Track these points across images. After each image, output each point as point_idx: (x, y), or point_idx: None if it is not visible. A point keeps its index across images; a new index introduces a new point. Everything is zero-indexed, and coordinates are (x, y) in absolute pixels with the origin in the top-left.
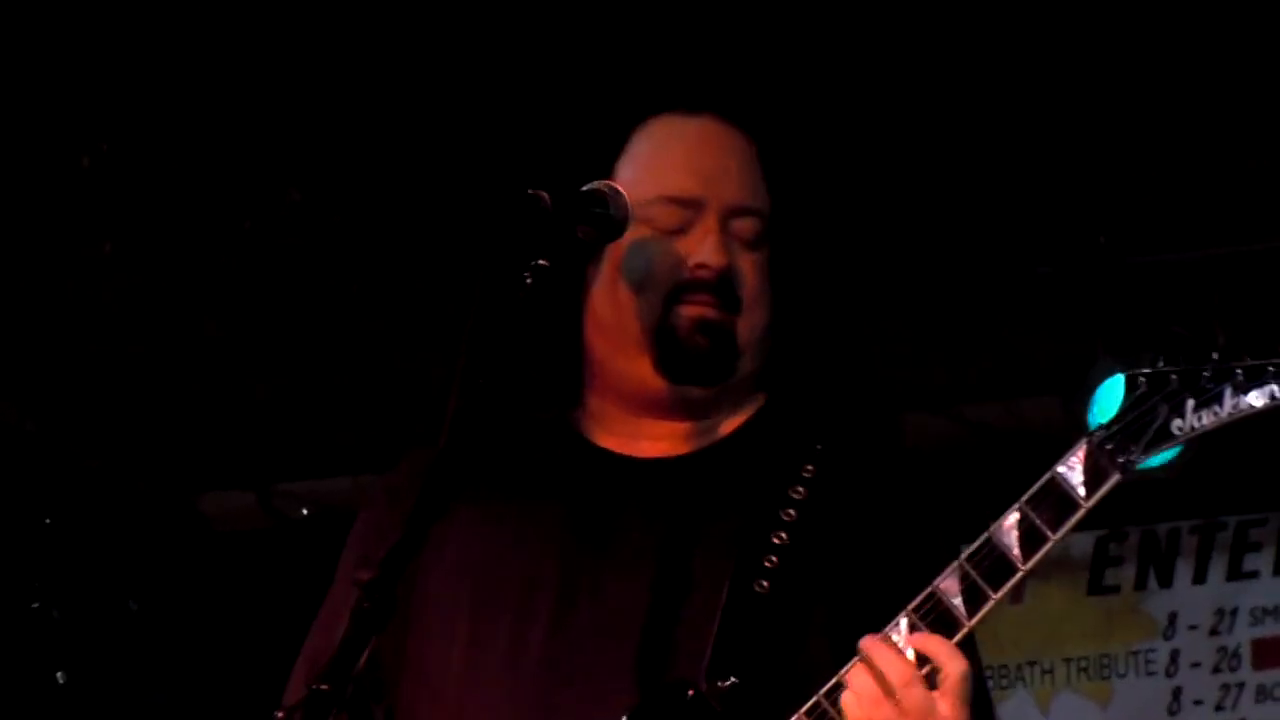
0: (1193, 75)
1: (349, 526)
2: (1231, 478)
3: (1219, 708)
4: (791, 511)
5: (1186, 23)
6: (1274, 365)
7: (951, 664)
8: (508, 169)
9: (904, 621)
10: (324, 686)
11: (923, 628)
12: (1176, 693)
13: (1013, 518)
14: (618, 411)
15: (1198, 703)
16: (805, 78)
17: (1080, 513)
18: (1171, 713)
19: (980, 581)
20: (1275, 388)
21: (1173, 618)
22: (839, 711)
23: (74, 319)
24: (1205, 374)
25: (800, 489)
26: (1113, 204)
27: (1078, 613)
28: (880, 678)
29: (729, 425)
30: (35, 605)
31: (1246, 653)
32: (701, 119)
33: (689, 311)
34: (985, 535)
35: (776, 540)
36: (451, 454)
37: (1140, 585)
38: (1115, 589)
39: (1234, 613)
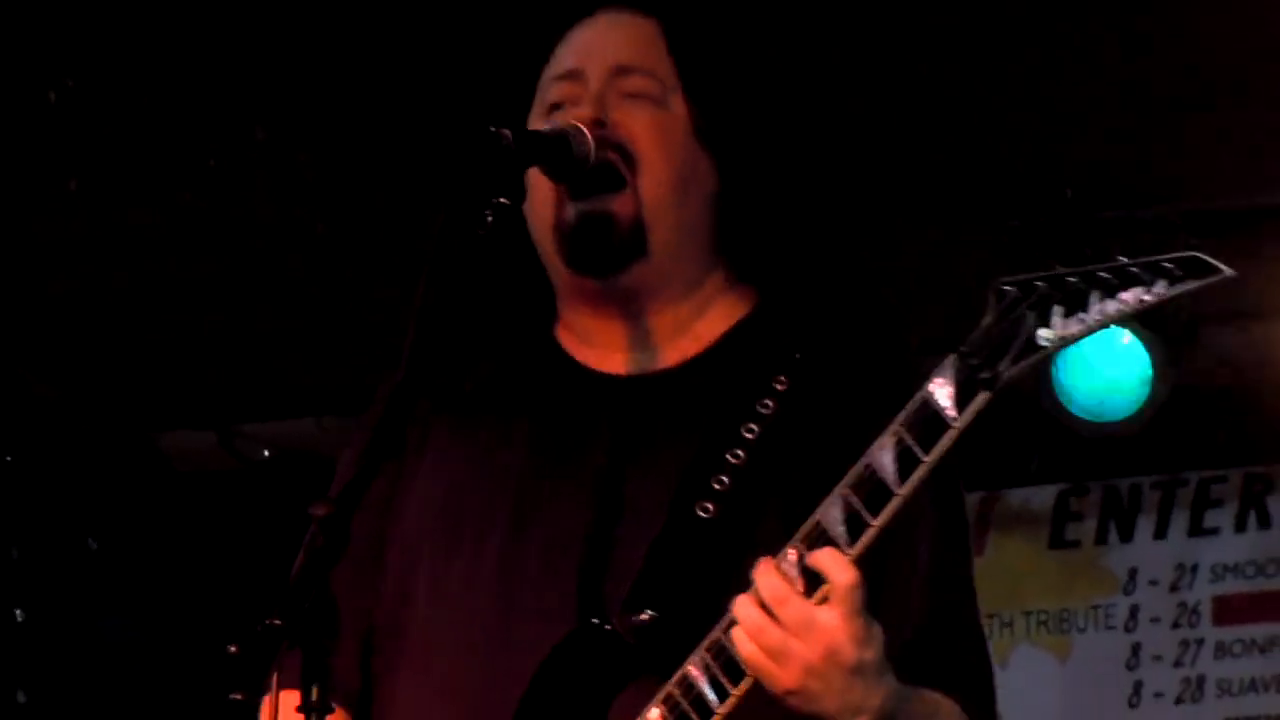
0: (1160, 28)
1: (310, 468)
2: (1194, 433)
3: (1178, 663)
4: (755, 427)
5: None
6: (1138, 265)
7: (837, 574)
8: (465, 101)
9: (792, 553)
10: (276, 621)
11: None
12: (1136, 648)
13: (889, 441)
14: (580, 318)
15: (1157, 658)
16: None
17: (952, 432)
18: (1130, 668)
19: (861, 508)
20: (1141, 290)
21: (1133, 573)
22: (733, 644)
23: (37, 255)
24: (1071, 279)
25: (770, 402)
26: (1081, 158)
27: (1038, 567)
28: (761, 601)
29: (703, 336)
30: None
31: (1206, 609)
32: (599, 15)
33: (576, 206)
34: (863, 460)
35: (733, 459)
36: (407, 388)
37: (1101, 540)
38: (1076, 544)
39: (1194, 569)
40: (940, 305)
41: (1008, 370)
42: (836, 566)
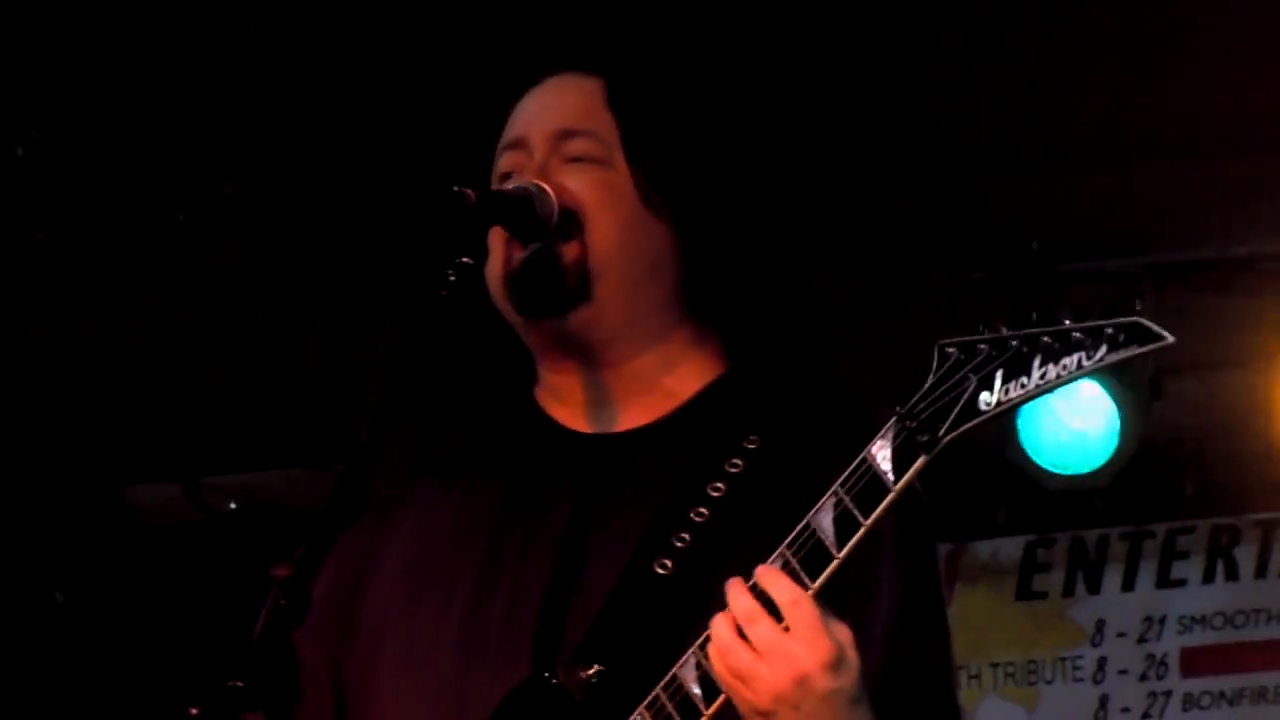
0: (1125, 87)
1: (276, 520)
2: (1161, 485)
3: (1146, 715)
4: (722, 485)
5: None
6: (1081, 330)
7: (782, 594)
8: (432, 162)
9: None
10: (238, 684)
11: None
12: (1104, 700)
13: (829, 502)
14: (550, 374)
15: (1125, 710)
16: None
17: (891, 496)
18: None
19: (799, 569)
20: (1083, 355)
21: (1100, 625)
22: (709, 664)
23: (4, 306)
24: (1014, 341)
25: (738, 462)
26: (1045, 211)
27: (1005, 618)
28: (734, 620)
29: (677, 394)
30: None
31: (1174, 661)
32: (546, 81)
33: (520, 253)
34: (804, 520)
35: (696, 517)
36: (369, 448)
37: (1068, 592)
38: (1043, 595)
39: (1162, 620)
40: (901, 357)
41: (947, 434)
42: (780, 587)
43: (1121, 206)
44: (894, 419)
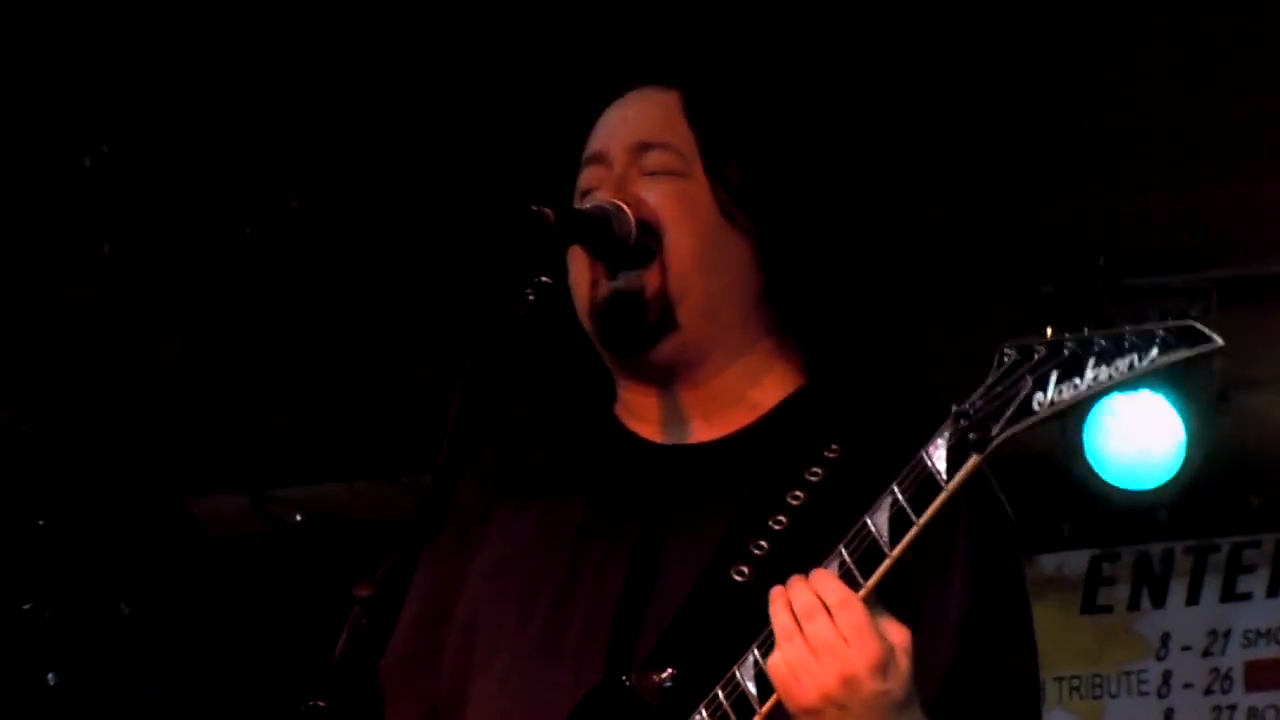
0: (1199, 101)
1: (342, 533)
2: (1226, 499)
3: None
4: (800, 494)
5: (1192, 42)
6: (1134, 333)
7: (830, 595)
8: (506, 177)
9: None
10: (320, 703)
11: None
12: (1169, 714)
13: (886, 501)
14: (630, 393)
15: None
16: (753, 36)
17: (943, 494)
18: None
19: (854, 568)
20: (1135, 357)
21: (1165, 638)
22: (765, 662)
23: (72, 320)
24: (1069, 345)
25: (818, 471)
26: (1113, 226)
27: (1070, 632)
28: (794, 611)
29: (758, 405)
30: (27, 607)
31: (1239, 675)
32: (625, 95)
33: (603, 289)
34: (861, 520)
35: (775, 525)
36: (449, 467)
37: (1133, 605)
38: (1108, 609)
39: (1227, 634)
40: (971, 371)
41: (999, 433)
42: (830, 587)
43: (1187, 221)
44: (950, 418)
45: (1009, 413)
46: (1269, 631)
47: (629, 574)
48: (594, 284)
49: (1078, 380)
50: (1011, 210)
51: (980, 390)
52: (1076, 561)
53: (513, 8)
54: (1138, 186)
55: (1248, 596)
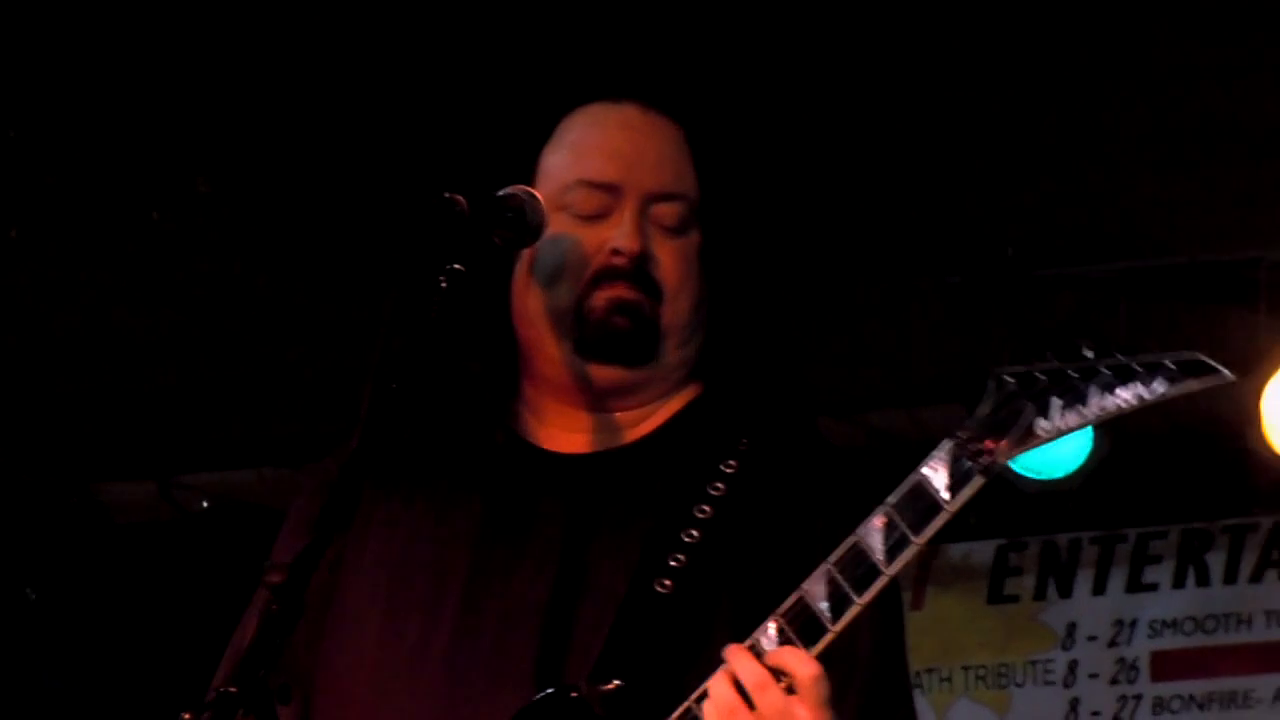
0: (1101, 90)
1: (249, 519)
2: (1132, 490)
3: (1116, 719)
4: (707, 508)
5: (1092, 37)
6: (1139, 364)
7: (802, 670)
8: (432, 163)
9: (772, 626)
10: (232, 689)
11: (790, 632)
12: (1074, 703)
13: (878, 520)
14: (550, 401)
15: (1095, 714)
16: (735, 67)
17: (943, 515)
18: None
19: (846, 586)
20: (1140, 386)
21: (1071, 628)
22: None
23: None
24: (1072, 373)
25: (720, 485)
26: (1022, 217)
27: (977, 621)
28: (738, 685)
29: (658, 419)
30: None
31: (1145, 664)
32: (625, 106)
33: (606, 294)
34: (852, 538)
35: (687, 538)
36: (361, 458)
37: (1040, 595)
38: (1015, 599)
39: (1133, 624)
40: (880, 359)
41: (1004, 458)
42: (799, 662)
43: (1098, 213)
44: (950, 442)
45: (1012, 437)
46: (1175, 622)
47: (551, 585)
48: (585, 295)
49: (1082, 408)
50: (919, 201)
51: (979, 416)
52: (983, 551)
53: None
54: (1045, 178)
55: (1154, 587)
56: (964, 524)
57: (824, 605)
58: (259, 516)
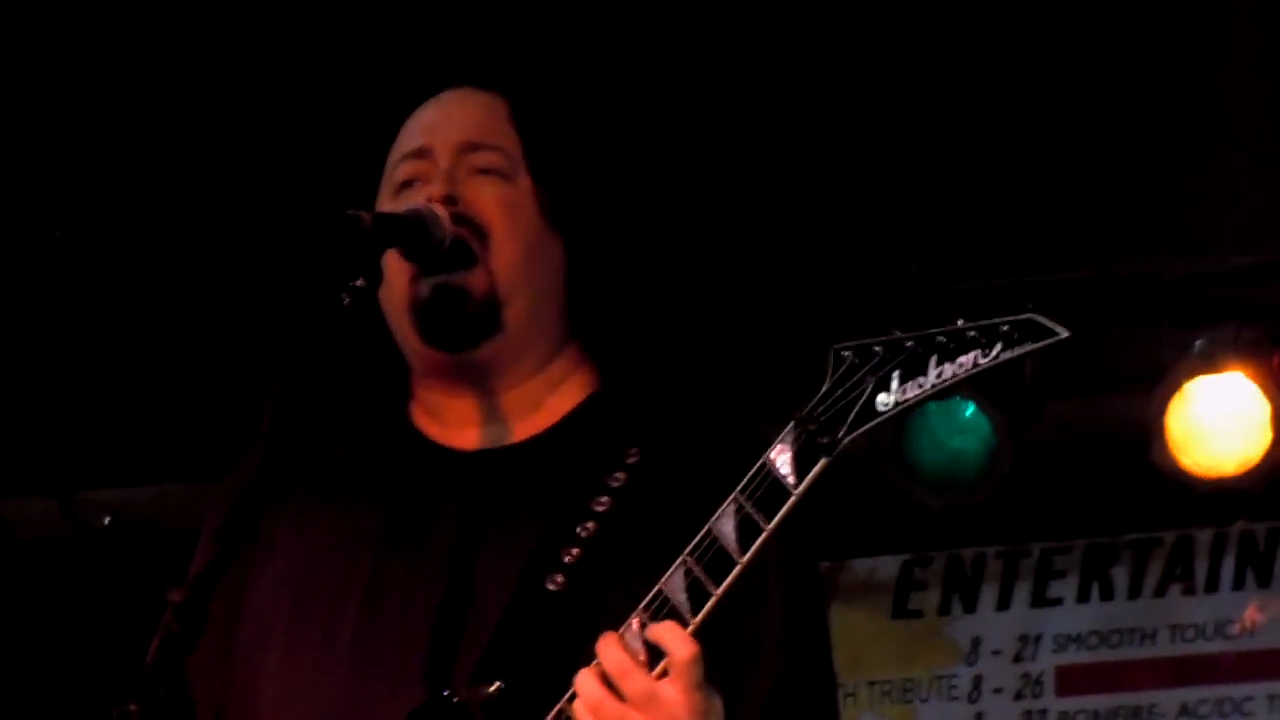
0: (1003, 105)
1: (152, 535)
2: (1037, 505)
3: None
4: (605, 500)
5: (996, 52)
6: (975, 329)
7: (677, 649)
8: (315, 178)
9: (635, 623)
10: (131, 707)
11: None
12: (979, 718)
13: (730, 509)
14: (433, 395)
15: None
16: (575, 49)
17: (792, 500)
18: None
19: (702, 577)
20: (978, 353)
21: (976, 643)
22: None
23: None
24: (909, 343)
25: (619, 475)
26: (925, 231)
27: (881, 636)
28: (603, 674)
29: (555, 410)
30: None
31: (1050, 680)
32: (447, 92)
33: (431, 281)
34: (706, 528)
35: (582, 533)
36: (264, 474)
37: (944, 610)
38: (919, 613)
39: (1038, 639)
40: (779, 375)
41: (846, 436)
42: (676, 640)
43: (1002, 227)
44: (792, 424)
45: (853, 415)
46: (1079, 636)
47: (444, 588)
48: (412, 281)
49: (921, 378)
50: (822, 214)
51: (820, 394)
52: (888, 566)
53: (325, 6)
54: (949, 192)
55: (1058, 601)
56: (869, 538)
57: (683, 598)
58: (160, 534)
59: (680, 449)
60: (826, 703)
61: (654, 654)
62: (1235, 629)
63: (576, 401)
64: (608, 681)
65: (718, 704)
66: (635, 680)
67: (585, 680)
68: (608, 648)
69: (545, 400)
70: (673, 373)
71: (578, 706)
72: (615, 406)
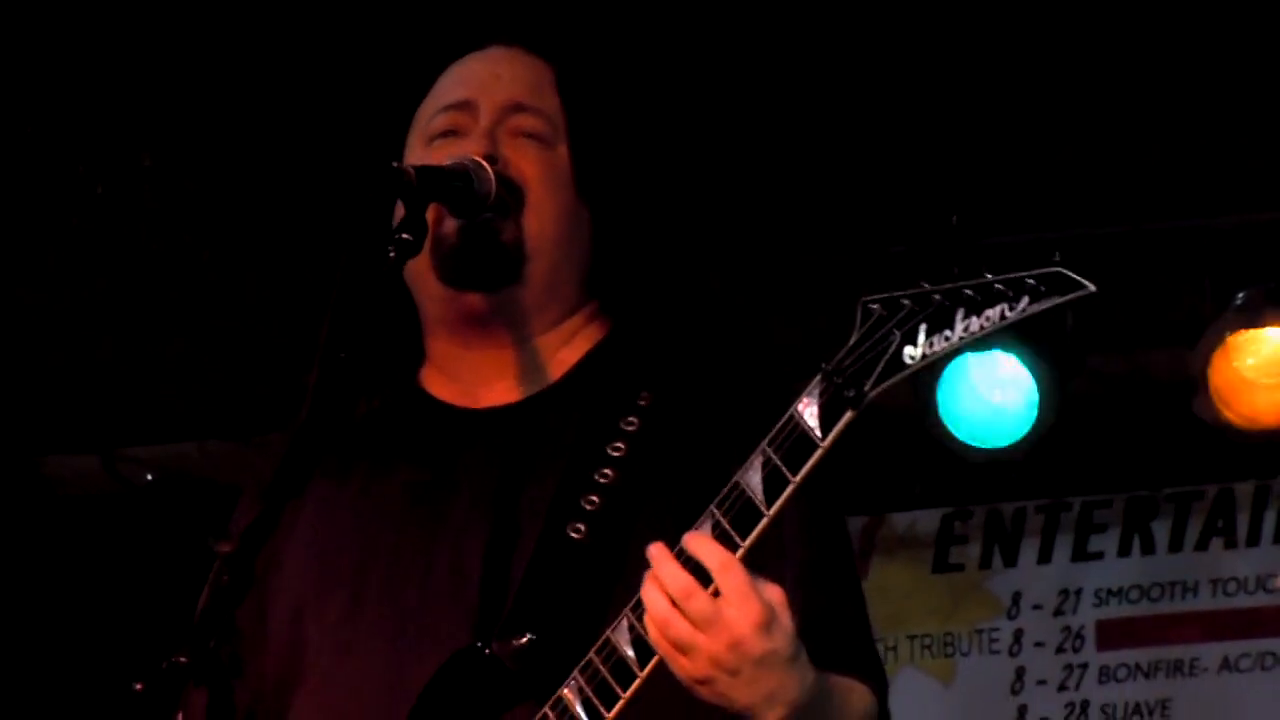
0: (1045, 56)
1: (193, 492)
2: (1078, 458)
3: (1062, 688)
4: (621, 445)
5: (1038, 6)
6: (1002, 282)
7: (722, 574)
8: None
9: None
10: (182, 659)
11: None
12: (1020, 672)
13: (757, 461)
14: (447, 348)
15: (1041, 682)
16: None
17: (819, 452)
18: (1014, 692)
19: (729, 529)
20: (1005, 306)
21: (1016, 597)
22: (643, 627)
23: None
24: (937, 296)
25: (633, 420)
26: (967, 184)
27: (922, 590)
28: (667, 592)
29: (566, 362)
30: None
31: (1090, 633)
32: (490, 49)
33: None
34: (734, 480)
35: (601, 479)
36: (311, 428)
37: (985, 564)
38: (960, 567)
39: (1078, 593)
40: (822, 329)
41: (873, 388)
42: (710, 553)
43: (1045, 180)
44: (819, 376)
45: (880, 367)
46: (1120, 590)
47: (469, 540)
48: (436, 223)
49: (948, 331)
50: (864, 170)
51: (847, 346)
52: (928, 520)
53: None
54: (991, 144)
55: (1099, 555)
56: (908, 493)
57: None
58: (202, 489)
59: (693, 390)
60: (855, 635)
61: (702, 577)
62: (1276, 582)
63: (585, 349)
64: (673, 601)
65: (785, 622)
66: (698, 600)
67: (652, 594)
68: (666, 566)
69: (558, 353)
70: (683, 316)
71: (648, 617)
72: (625, 351)
